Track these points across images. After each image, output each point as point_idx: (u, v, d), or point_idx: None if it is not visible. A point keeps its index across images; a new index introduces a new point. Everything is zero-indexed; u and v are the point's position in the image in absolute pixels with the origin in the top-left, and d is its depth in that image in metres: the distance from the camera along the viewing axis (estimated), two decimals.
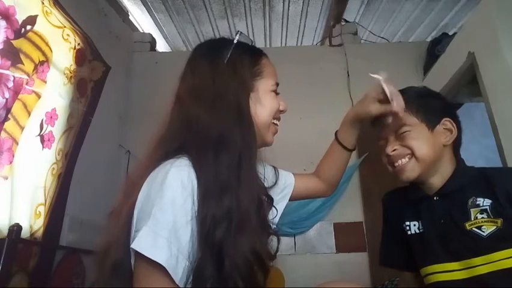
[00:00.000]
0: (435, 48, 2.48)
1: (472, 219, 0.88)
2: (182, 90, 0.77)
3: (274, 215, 0.84)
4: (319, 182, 1.05)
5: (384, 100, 0.88)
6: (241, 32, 0.81)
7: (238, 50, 0.78)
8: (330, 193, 1.08)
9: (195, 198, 0.62)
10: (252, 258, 0.63)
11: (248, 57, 0.80)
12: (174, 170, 0.63)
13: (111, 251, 0.64)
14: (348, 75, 2.73)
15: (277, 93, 0.83)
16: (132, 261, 0.61)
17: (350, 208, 2.43)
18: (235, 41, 0.79)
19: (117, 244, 0.64)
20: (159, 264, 0.56)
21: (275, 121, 0.83)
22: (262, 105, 0.78)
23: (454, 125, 0.95)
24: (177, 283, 0.57)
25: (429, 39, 3.00)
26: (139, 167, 0.71)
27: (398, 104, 0.86)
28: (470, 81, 1.95)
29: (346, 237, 2.40)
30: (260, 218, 0.70)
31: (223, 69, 0.75)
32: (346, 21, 2.92)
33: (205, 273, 0.59)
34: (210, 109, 0.71)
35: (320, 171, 1.06)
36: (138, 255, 0.58)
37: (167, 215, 0.59)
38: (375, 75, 0.89)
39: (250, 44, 0.83)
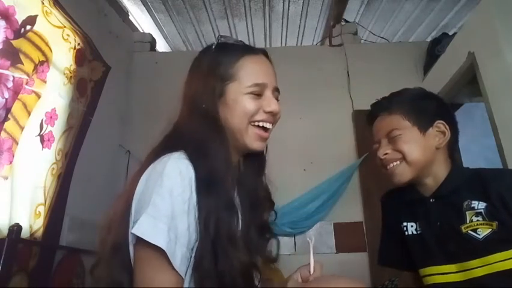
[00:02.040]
0: (435, 48, 2.48)
1: (468, 222, 0.88)
2: (182, 94, 0.83)
3: (274, 218, 0.85)
4: None
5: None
6: (221, 36, 0.83)
7: (215, 55, 0.80)
8: None
9: (193, 189, 0.65)
10: (242, 272, 0.64)
11: (222, 62, 0.78)
12: (173, 161, 0.66)
13: (109, 245, 0.66)
14: (348, 75, 2.72)
15: (258, 94, 0.77)
16: (131, 250, 0.63)
17: (350, 208, 2.43)
18: (213, 47, 0.81)
19: (115, 238, 0.66)
20: (159, 248, 0.58)
21: (261, 123, 0.77)
22: (232, 109, 0.76)
23: (447, 127, 0.94)
24: (176, 269, 0.59)
25: (429, 39, 3.00)
26: (139, 165, 0.74)
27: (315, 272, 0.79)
28: (470, 81, 1.95)
29: (346, 237, 2.39)
30: (255, 221, 0.73)
31: (196, 77, 0.80)
32: (346, 21, 2.92)
33: (205, 265, 0.61)
34: (189, 115, 0.77)
35: None
36: (138, 240, 0.60)
37: (166, 202, 0.61)
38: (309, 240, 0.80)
39: (232, 44, 0.82)
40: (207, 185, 0.66)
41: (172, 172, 0.64)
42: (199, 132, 0.73)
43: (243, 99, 0.76)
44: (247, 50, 0.81)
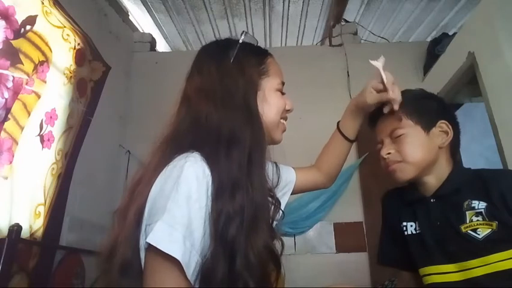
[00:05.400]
0: (435, 48, 2.48)
1: (467, 221, 0.88)
2: (189, 89, 0.78)
3: (281, 216, 0.85)
4: (319, 174, 1.06)
5: (383, 90, 0.91)
6: (246, 32, 0.81)
7: (243, 49, 0.78)
8: (329, 185, 1.09)
9: (209, 193, 0.62)
10: (267, 255, 0.63)
11: (254, 57, 0.80)
12: (189, 165, 0.63)
13: (119, 248, 0.64)
14: (348, 75, 2.73)
15: (283, 93, 0.84)
16: (142, 256, 0.61)
17: (350, 208, 2.43)
18: (240, 41, 0.79)
19: (125, 241, 0.64)
20: (173, 258, 0.56)
21: (282, 120, 0.84)
22: (269, 104, 0.79)
23: (450, 127, 0.95)
24: (189, 278, 0.57)
25: (429, 39, 3.00)
26: (148, 165, 0.70)
27: (394, 92, 0.89)
28: (470, 81, 1.95)
29: (346, 237, 2.40)
30: (269, 219, 0.71)
31: (230, 68, 0.76)
32: (346, 21, 2.92)
33: (216, 271, 0.59)
34: (218, 108, 0.71)
35: (319, 162, 1.07)
36: (151, 249, 0.57)
37: (182, 210, 0.59)
38: (374, 62, 0.91)
39: (255, 43, 0.84)
40: (233, 188, 0.63)
41: (189, 177, 0.61)
42: (236, 127, 0.69)
43: (276, 95, 0.81)
44: (266, 49, 0.85)
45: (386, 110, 0.94)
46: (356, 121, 1.01)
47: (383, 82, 0.90)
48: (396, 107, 0.91)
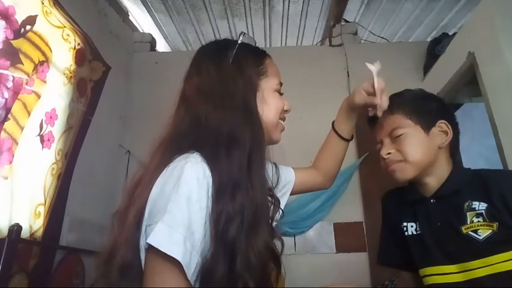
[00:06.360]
0: (435, 48, 2.48)
1: (468, 222, 0.88)
2: (188, 90, 0.78)
3: (281, 215, 0.85)
4: (317, 174, 1.06)
5: (372, 94, 0.91)
6: (244, 33, 0.82)
7: (242, 50, 0.79)
8: (329, 185, 1.10)
9: (209, 194, 0.62)
10: (267, 255, 0.64)
11: (252, 57, 0.81)
12: (190, 166, 0.63)
13: (119, 249, 0.63)
14: (348, 75, 2.73)
15: (281, 93, 0.84)
16: (142, 256, 0.61)
17: (350, 208, 2.43)
18: (239, 42, 0.79)
19: (126, 242, 0.63)
20: (174, 259, 0.56)
21: (280, 120, 0.84)
22: (268, 104, 0.79)
23: (450, 127, 0.95)
24: (189, 278, 0.57)
25: (429, 39, 3.00)
26: (148, 166, 0.70)
27: (382, 99, 0.89)
28: (470, 81, 1.95)
29: (346, 237, 2.39)
30: (269, 218, 0.71)
31: (229, 69, 0.76)
32: (346, 21, 2.92)
33: (216, 271, 0.59)
34: (218, 108, 0.71)
35: (317, 163, 1.07)
36: (152, 250, 0.57)
37: (183, 211, 0.59)
38: (370, 65, 0.91)
39: (253, 44, 0.84)
40: (233, 188, 0.63)
41: (189, 178, 0.61)
42: (236, 127, 0.69)
43: (275, 96, 0.82)
44: (264, 50, 0.86)
45: (370, 113, 0.95)
46: (350, 120, 1.01)
47: (373, 86, 0.90)
48: (379, 113, 0.91)
